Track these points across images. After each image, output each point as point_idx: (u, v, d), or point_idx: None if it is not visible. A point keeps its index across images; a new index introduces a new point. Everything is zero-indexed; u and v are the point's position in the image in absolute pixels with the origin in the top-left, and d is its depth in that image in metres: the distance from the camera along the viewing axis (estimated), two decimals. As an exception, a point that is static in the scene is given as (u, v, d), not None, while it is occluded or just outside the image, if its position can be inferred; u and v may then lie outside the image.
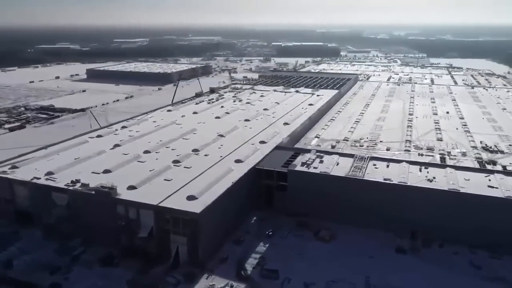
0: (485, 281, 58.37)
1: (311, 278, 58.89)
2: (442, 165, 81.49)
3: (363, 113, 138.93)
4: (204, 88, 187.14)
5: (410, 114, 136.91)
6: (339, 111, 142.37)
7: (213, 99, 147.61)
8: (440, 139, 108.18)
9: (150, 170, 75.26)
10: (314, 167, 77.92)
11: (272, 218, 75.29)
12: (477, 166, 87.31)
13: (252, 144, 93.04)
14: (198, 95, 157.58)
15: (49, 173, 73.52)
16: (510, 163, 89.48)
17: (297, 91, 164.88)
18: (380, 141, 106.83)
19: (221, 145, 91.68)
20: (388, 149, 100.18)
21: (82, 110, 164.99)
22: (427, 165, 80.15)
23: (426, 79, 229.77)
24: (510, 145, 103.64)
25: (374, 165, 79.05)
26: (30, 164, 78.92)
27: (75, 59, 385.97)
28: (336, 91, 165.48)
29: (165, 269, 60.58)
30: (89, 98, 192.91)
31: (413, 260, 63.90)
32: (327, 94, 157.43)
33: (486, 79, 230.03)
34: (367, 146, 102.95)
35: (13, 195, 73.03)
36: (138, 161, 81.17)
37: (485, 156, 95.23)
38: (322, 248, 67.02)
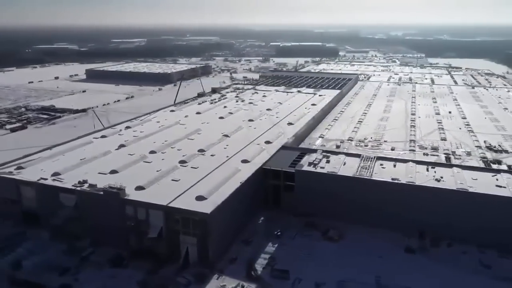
0: (496, 281, 58.41)
1: (321, 278, 58.81)
2: (449, 164, 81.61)
3: (365, 113, 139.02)
4: (204, 88, 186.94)
5: (413, 114, 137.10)
6: (341, 111, 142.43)
7: (215, 99, 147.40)
8: (444, 139, 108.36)
9: (157, 171, 75.05)
10: (321, 167, 77.91)
11: (279, 218, 75.22)
12: (482, 165, 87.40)
13: (258, 144, 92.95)
14: (200, 95, 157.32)
15: (56, 174, 73.19)
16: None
17: (299, 91, 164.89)
18: (385, 141, 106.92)
19: (227, 145, 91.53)
20: (393, 149, 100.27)
21: (84, 110, 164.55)
22: (433, 164, 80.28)
23: (426, 79, 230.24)
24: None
25: (381, 165, 79.09)
26: (36, 165, 78.58)
27: (73, 59, 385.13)
28: (338, 91, 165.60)
29: (175, 270, 60.40)
30: (90, 99, 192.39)
31: (422, 259, 63.89)
32: (329, 94, 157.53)
33: (486, 79, 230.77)
34: (372, 146, 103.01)
35: (20, 195, 72.65)
36: (144, 162, 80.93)
37: (489, 155, 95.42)
38: (331, 248, 66.95)
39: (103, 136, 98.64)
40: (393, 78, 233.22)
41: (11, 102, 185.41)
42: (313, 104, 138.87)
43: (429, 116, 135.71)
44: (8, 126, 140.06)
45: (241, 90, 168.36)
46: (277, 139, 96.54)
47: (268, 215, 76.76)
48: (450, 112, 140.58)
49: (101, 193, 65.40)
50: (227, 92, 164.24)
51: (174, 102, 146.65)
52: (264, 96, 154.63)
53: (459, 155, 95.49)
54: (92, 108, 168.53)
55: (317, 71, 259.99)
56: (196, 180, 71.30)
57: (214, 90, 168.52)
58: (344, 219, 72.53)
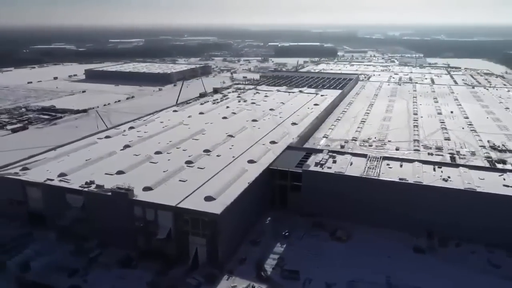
0: (505, 280, 58.57)
1: (331, 278, 58.74)
2: (455, 164, 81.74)
3: (368, 113, 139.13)
4: (205, 88, 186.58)
5: (415, 114, 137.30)
6: (344, 111, 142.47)
7: (217, 99, 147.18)
8: (447, 139, 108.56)
9: (164, 171, 74.78)
10: (328, 167, 77.82)
11: (286, 219, 75.12)
12: (487, 165, 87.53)
13: (263, 144, 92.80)
14: (202, 95, 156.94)
15: (62, 175, 72.79)
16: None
17: (300, 91, 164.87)
18: (389, 141, 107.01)
19: (232, 146, 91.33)
20: (397, 149, 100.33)
21: (84, 111, 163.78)
22: (440, 164, 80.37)
23: (426, 79, 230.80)
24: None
25: (388, 164, 79.11)
26: (41, 166, 78.15)
27: (71, 59, 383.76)
28: (340, 91, 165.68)
29: (184, 271, 60.15)
30: (90, 99, 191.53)
31: (431, 259, 63.94)
32: (331, 94, 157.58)
33: (486, 79, 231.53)
34: (376, 146, 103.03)
35: (26, 196, 72.19)
36: (150, 162, 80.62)
37: (494, 155, 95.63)
38: (339, 248, 66.93)
39: (107, 137, 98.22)
40: (393, 78, 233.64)
41: (11, 102, 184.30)
42: (315, 104, 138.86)
43: (431, 116, 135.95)
44: (9, 127, 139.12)
45: (242, 90, 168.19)
46: (282, 139, 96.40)
47: (275, 216, 76.66)
48: (452, 112, 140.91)
49: (109, 193, 65.05)
50: (229, 92, 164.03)
51: (177, 102, 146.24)
52: (266, 96, 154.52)
53: (464, 155, 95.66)
54: (94, 108, 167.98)
55: (317, 71, 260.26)
56: (203, 180, 71.08)
57: (215, 90, 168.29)
58: (351, 219, 72.52)
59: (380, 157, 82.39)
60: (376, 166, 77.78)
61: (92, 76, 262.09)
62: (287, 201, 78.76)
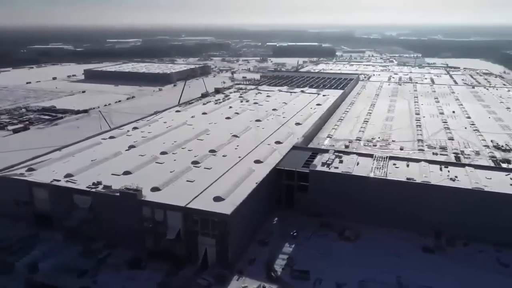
0: (515, 279, 58.71)
1: (342, 278, 58.69)
2: (461, 164, 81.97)
3: (370, 113, 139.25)
4: (202, 88, 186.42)
5: (417, 114, 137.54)
6: (346, 111, 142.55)
7: (219, 99, 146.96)
8: (451, 138, 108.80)
9: (171, 171, 74.51)
10: (335, 167, 77.82)
11: (293, 219, 75.05)
12: (492, 165, 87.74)
13: (268, 144, 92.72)
14: (204, 95, 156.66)
15: (69, 175, 72.42)
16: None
17: (302, 91, 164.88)
18: (393, 141, 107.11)
19: (237, 146, 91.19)
20: (401, 149, 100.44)
21: (85, 111, 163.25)
22: (446, 164, 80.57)
23: (426, 78, 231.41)
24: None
25: (394, 164, 79.22)
26: (47, 166, 77.70)
27: (69, 59, 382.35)
28: (341, 91, 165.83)
29: (193, 271, 59.96)
30: (90, 99, 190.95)
31: (439, 259, 64.01)
32: (333, 94, 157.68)
33: (485, 79, 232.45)
34: (380, 146, 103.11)
35: (32, 197, 71.75)
36: (156, 162, 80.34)
37: (498, 155, 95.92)
38: (347, 248, 66.91)
39: (111, 137, 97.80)
40: (393, 78, 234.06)
41: (10, 102, 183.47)
42: (318, 104, 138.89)
43: (434, 115, 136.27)
44: (10, 127, 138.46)
45: (244, 90, 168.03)
46: (287, 139, 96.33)
47: (281, 216, 76.58)
48: (453, 112, 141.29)
49: (117, 194, 64.73)
50: (231, 92, 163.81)
51: (179, 103, 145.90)
52: (268, 96, 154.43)
53: (468, 155, 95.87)
54: (94, 108, 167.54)
55: (316, 71, 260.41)
56: (211, 180, 70.90)
57: (217, 90, 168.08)
58: (358, 219, 72.49)
59: (387, 157, 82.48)
60: (383, 166, 77.86)
61: (91, 76, 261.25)
62: (293, 201, 78.68)
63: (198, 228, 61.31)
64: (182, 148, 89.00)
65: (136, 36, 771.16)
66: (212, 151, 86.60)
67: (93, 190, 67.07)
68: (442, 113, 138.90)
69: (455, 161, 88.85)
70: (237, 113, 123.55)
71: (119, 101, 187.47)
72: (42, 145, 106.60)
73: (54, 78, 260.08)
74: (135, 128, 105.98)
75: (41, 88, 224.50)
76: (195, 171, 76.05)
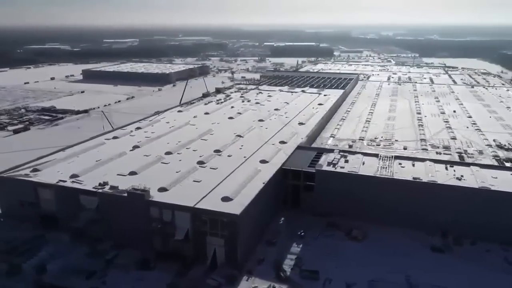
0: (523, 278, 58.89)
1: (351, 278, 58.66)
2: (466, 163, 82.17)
3: (371, 113, 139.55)
4: (202, 88, 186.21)
5: (418, 113, 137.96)
6: (347, 111, 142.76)
7: (221, 99, 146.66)
8: (453, 138, 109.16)
9: (177, 172, 74.22)
10: (341, 167, 77.81)
11: (299, 219, 74.98)
12: (496, 164, 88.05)
13: (273, 144, 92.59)
14: (205, 95, 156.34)
15: (74, 176, 72.00)
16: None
17: (303, 91, 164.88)
18: (396, 140, 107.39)
19: (242, 146, 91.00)
20: (405, 148, 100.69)
21: (85, 111, 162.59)
22: (451, 163, 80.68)
23: (425, 78, 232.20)
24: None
25: (400, 164, 79.29)
26: (51, 167, 77.18)
27: (66, 59, 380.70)
28: (342, 90, 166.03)
29: (203, 272, 59.75)
30: (89, 99, 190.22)
31: (447, 258, 64.12)
32: (334, 94, 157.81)
33: (484, 78, 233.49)
34: (384, 146, 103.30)
35: (37, 198, 71.25)
36: (162, 163, 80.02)
37: (501, 154, 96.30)
38: (355, 248, 66.91)
39: (114, 137, 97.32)
40: (392, 77, 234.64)
41: (9, 103, 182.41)
42: (320, 104, 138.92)
43: (435, 115, 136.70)
44: (10, 128, 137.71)
45: (245, 90, 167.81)
46: (291, 139, 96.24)
47: (288, 216, 76.49)
48: (454, 111, 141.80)
49: (125, 195, 64.39)
50: (232, 92, 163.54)
51: (180, 103, 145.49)
52: (269, 96, 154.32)
53: (472, 154, 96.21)
54: (95, 108, 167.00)
55: (316, 71, 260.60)
56: (218, 181, 70.66)
57: (218, 90, 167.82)
58: (365, 219, 72.47)
59: (392, 156, 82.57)
60: (388, 165, 77.93)
61: (90, 76, 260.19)
62: (299, 201, 78.60)
63: (207, 228, 61.05)
64: (187, 148, 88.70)
65: (133, 36, 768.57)
66: (217, 151, 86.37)
67: (100, 190, 66.67)
68: (443, 113, 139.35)
69: (459, 161, 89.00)
70: (240, 113, 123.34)
71: (119, 101, 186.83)
72: (43, 146, 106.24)
73: (52, 78, 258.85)
74: (138, 128, 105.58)
75: (39, 88, 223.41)
76: (201, 171, 75.80)
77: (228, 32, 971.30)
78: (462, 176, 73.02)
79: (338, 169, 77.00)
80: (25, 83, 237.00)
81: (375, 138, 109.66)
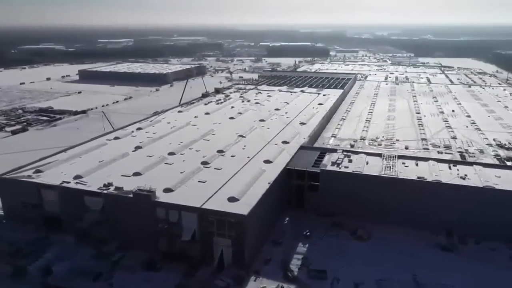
0: (529, 276, 59.24)
1: (358, 278, 58.70)
2: (469, 162, 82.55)
3: (371, 112, 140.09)
4: (201, 88, 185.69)
5: (418, 113, 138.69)
6: (347, 111, 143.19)
7: (220, 99, 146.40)
8: (454, 137, 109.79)
9: (181, 172, 73.92)
10: (345, 167, 77.88)
11: (303, 219, 75.01)
12: (497, 163, 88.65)
13: (275, 144, 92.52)
14: (204, 95, 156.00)
15: (78, 177, 71.48)
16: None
17: (302, 91, 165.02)
18: (397, 140, 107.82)
19: (244, 146, 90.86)
20: (406, 148, 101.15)
21: (83, 111, 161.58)
22: (454, 162, 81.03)
23: (422, 78, 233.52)
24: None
25: (403, 163, 79.52)
26: (54, 168, 76.60)
27: (61, 59, 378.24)
28: (341, 90, 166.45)
29: (210, 273, 59.54)
30: (87, 100, 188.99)
31: (453, 257, 64.33)
32: (333, 94, 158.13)
33: (480, 78, 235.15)
34: (385, 145, 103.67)
35: (41, 199, 70.65)
36: (165, 163, 79.67)
37: (502, 153, 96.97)
38: (361, 247, 66.96)
39: (116, 138, 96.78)
40: (389, 77, 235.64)
41: (6, 103, 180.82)
42: (320, 104, 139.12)
43: (434, 114, 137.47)
44: (8, 129, 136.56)
45: (244, 90, 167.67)
46: (294, 139, 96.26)
47: (292, 216, 76.48)
48: (453, 111, 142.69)
49: (131, 195, 64.01)
50: (231, 92, 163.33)
51: (180, 103, 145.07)
52: (268, 96, 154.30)
53: (473, 153, 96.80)
54: (93, 109, 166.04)
55: (313, 70, 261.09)
56: (223, 181, 70.46)
57: (217, 91, 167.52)
58: (369, 219, 72.58)
59: (395, 156, 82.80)
60: (392, 165, 78.12)
61: (86, 77, 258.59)
62: (304, 201, 78.61)
63: (213, 229, 60.83)
64: (190, 149, 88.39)
65: (127, 36, 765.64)
66: (220, 151, 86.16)
67: (105, 191, 66.23)
68: (442, 112, 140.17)
69: (461, 160, 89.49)
70: (240, 113, 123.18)
71: (117, 101, 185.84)
72: (43, 147, 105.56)
73: (48, 79, 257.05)
74: (139, 128, 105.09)
75: (35, 89, 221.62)
76: (206, 171, 75.55)
77: (223, 32, 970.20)
78: (466, 175, 73.34)
79: (343, 169, 77.08)
80: (21, 84, 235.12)
81: (376, 137, 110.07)
